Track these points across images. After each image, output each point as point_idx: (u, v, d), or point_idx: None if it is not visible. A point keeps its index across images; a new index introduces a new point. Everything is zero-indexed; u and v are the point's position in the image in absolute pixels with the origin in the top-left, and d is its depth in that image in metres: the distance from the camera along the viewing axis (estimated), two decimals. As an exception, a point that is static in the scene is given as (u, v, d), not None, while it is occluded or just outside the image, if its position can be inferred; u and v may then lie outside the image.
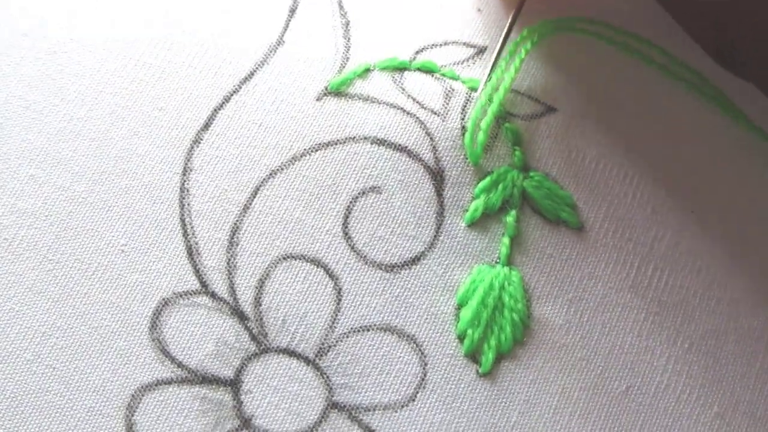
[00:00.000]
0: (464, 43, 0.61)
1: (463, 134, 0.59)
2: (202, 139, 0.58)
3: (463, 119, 0.59)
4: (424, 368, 0.55)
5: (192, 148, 0.58)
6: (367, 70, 0.60)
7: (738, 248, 0.58)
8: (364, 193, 0.57)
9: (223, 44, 0.60)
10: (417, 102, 0.59)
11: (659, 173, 0.59)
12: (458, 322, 0.56)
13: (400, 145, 0.58)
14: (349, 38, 0.61)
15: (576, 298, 0.56)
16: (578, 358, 0.56)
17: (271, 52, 0.60)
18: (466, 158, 0.58)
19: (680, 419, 0.55)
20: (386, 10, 0.62)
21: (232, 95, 0.59)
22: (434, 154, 0.58)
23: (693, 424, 0.55)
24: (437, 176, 0.58)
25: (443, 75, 0.60)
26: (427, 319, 0.56)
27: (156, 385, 0.54)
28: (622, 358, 0.56)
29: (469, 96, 0.60)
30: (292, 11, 0.61)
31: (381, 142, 0.58)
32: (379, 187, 0.57)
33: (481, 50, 0.61)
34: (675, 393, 0.56)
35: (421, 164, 0.58)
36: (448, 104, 0.59)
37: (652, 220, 0.58)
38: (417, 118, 0.59)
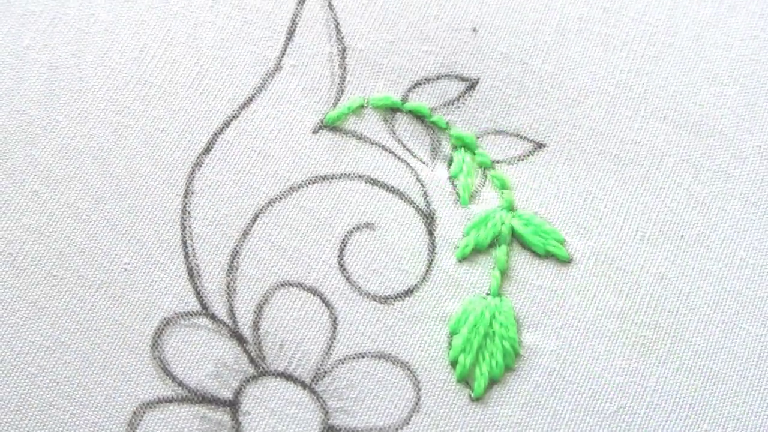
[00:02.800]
0: (456, 76, 0.61)
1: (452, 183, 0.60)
2: (203, 163, 0.59)
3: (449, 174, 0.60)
4: (417, 393, 0.56)
5: (193, 171, 0.59)
6: (361, 107, 0.60)
7: (726, 271, 0.58)
8: (358, 228, 0.58)
9: (223, 65, 0.61)
10: (407, 149, 0.60)
11: (648, 202, 0.60)
12: (450, 349, 0.57)
13: (392, 187, 0.59)
14: (345, 67, 0.61)
15: (565, 325, 0.57)
16: (569, 382, 0.56)
17: (269, 77, 0.61)
18: (455, 203, 0.59)
19: (670, 437, 0.56)
20: (382, 33, 0.62)
21: (231, 120, 0.60)
22: (425, 198, 0.59)
23: (682, 442, 0.56)
24: (428, 218, 0.59)
25: (433, 123, 0.61)
26: (420, 347, 0.57)
27: (157, 402, 0.55)
28: (612, 380, 0.56)
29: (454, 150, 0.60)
30: (290, 34, 0.61)
31: (375, 182, 0.59)
32: (373, 224, 0.58)
33: (472, 84, 0.61)
34: (665, 412, 0.56)
35: (413, 206, 0.59)
36: (435, 157, 0.60)
37: (641, 249, 0.59)
38: (408, 164, 0.60)
